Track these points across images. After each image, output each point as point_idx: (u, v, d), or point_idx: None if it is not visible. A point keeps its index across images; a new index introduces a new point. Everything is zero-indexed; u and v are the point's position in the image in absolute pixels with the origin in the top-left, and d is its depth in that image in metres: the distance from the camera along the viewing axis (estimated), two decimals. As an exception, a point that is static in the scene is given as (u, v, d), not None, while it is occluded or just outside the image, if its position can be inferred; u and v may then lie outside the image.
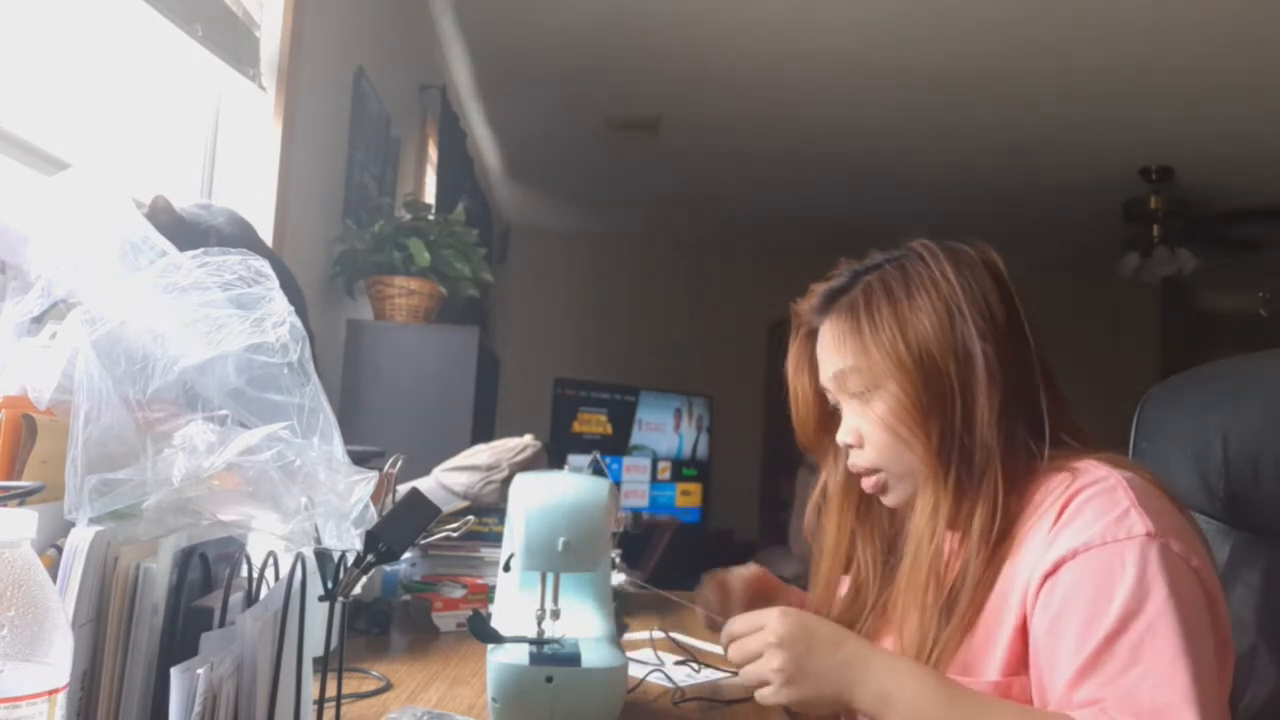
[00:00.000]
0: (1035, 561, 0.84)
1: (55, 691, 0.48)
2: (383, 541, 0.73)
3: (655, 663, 1.19)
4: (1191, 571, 0.80)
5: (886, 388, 0.92)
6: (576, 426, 5.13)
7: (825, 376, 0.99)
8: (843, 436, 0.97)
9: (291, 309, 0.70)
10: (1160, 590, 0.77)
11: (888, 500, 0.98)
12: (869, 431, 0.95)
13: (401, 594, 1.42)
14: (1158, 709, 0.74)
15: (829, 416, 1.02)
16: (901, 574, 0.95)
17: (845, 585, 1.08)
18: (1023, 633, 0.85)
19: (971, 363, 0.89)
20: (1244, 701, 0.99)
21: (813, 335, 1.02)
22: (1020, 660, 0.85)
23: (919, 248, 0.96)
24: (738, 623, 0.88)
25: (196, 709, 0.57)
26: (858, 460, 0.97)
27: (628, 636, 1.24)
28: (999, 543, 0.88)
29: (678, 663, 1.20)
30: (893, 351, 0.91)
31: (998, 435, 0.88)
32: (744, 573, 1.18)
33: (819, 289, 1.01)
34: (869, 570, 1.04)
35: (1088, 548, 0.80)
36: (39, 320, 0.69)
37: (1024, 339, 0.92)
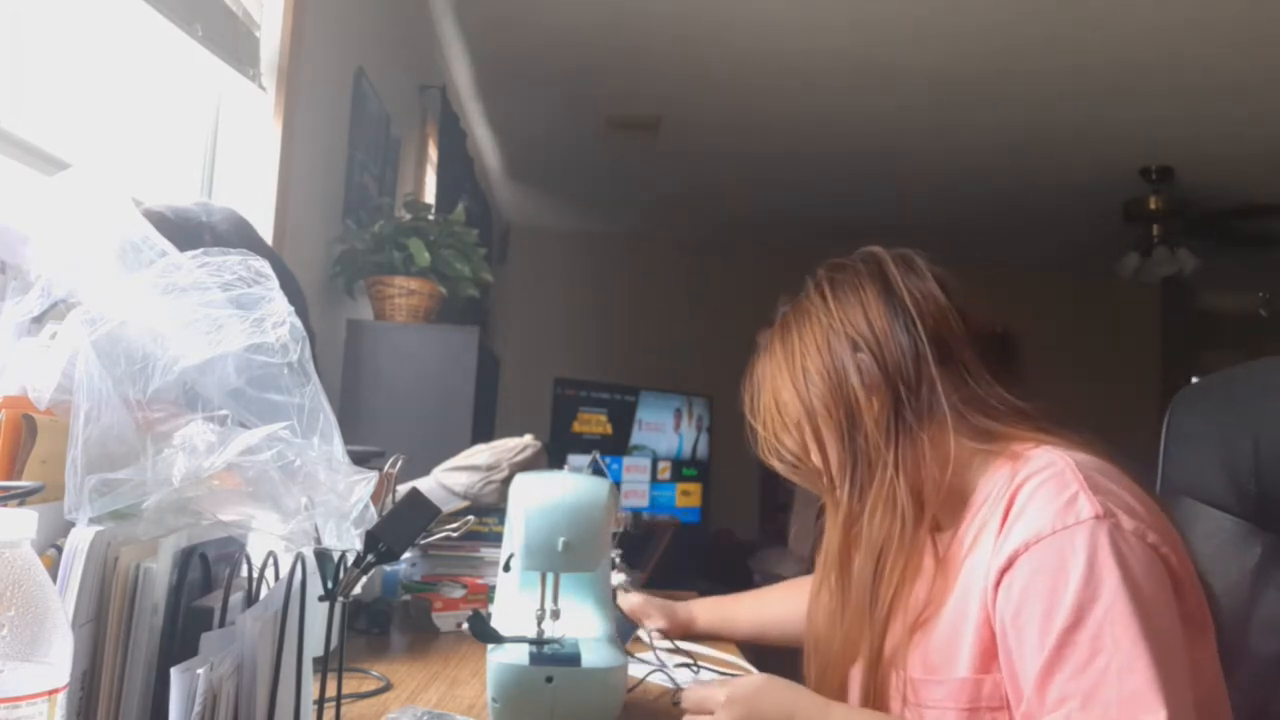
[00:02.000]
0: (991, 556, 0.85)
1: (55, 691, 0.48)
2: (383, 541, 0.73)
3: (656, 663, 1.19)
4: (1148, 548, 0.80)
5: (801, 420, 1.00)
6: (576, 426, 5.12)
7: (758, 417, 1.08)
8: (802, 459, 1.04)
9: (291, 309, 0.70)
10: (1113, 573, 0.77)
11: None
12: (801, 457, 1.03)
13: (401, 594, 1.42)
14: (1124, 699, 0.74)
15: None
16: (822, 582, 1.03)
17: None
18: (988, 629, 0.85)
19: (847, 376, 0.96)
20: (1275, 705, 0.99)
21: None
22: (989, 656, 0.86)
23: (811, 280, 1.05)
24: (690, 698, 0.92)
25: (196, 709, 0.57)
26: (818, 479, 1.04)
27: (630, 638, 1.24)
28: (940, 537, 0.93)
29: (678, 665, 1.20)
30: (785, 387, 1.01)
31: (888, 434, 0.94)
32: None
33: (763, 335, 1.09)
34: None
35: (1039, 538, 0.81)
36: (39, 320, 0.69)
37: (914, 336, 0.95)
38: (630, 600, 1.35)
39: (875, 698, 0.93)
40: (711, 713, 0.87)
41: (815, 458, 0.99)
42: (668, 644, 1.29)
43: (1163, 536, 0.82)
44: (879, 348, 0.95)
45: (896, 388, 0.94)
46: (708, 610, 1.40)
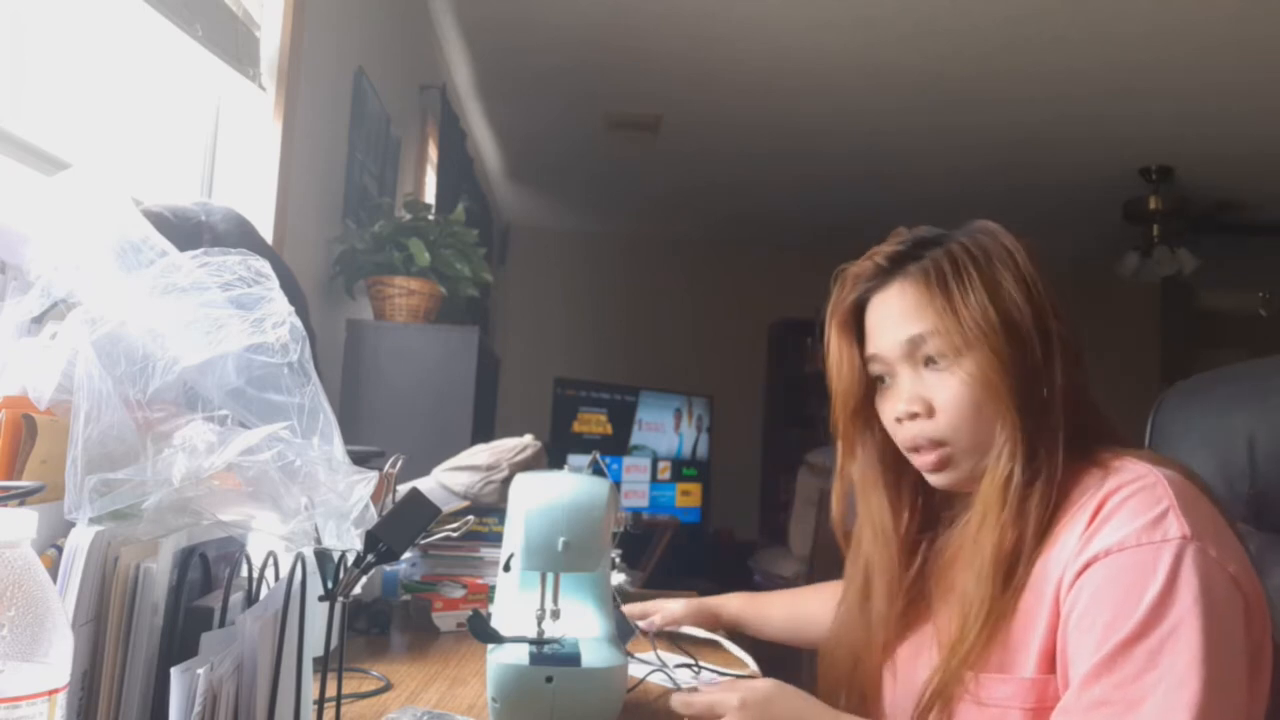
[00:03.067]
0: (1070, 558, 0.83)
1: (55, 691, 0.48)
2: (383, 541, 0.73)
3: (656, 663, 1.19)
4: (1229, 578, 0.78)
5: (972, 354, 0.89)
6: (576, 426, 5.12)
7: (889, 342, 0.94)
8: (908, 406, 0.92)
9: (291, 309, 0.70)
10: (1189, 596, 0.76)
11: (941, 479, 0.94)
12: (944, 400, 0.91)
13: (401, 594, 1.42)
14: (1158, 714, 0.73)
15: (870, 390, 0.99)
16: (964, 543, 0.92)
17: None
18: (1055, 631, 0.84)
19: (1051, 338, 0.89)
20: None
21: (862, 303, 0.98)
22: (1055, 658, 0.84)
23: (987, 224, 0.95)
24: (697, 701, 0.89)
25: (196, 709, 0.57)
26: (924, 431, 0.92)
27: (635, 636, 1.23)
28: (1036, 544, 0.87)
29: (678, 665, 1.20)
30: (984, 318, 0.88)
31: (1065, 415, 0.88)
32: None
33: (883, 250, 0.97)
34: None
35: (1121, 548, 0.79)
36: (39, 320, 0.69)
37: (1076, 327, 0.92)
38: (674, 614, 1.32)
39: (945, 694, 0.88)
40: (722, 716, 0.87)
41: (989, 398, 0.88)
42: (670, 643, 1.28)
43: (1241, 567, 0.80)
44: (1064, 323, 0.90)
45: (1072, 368, 0.89)
46: (741, 601, 1.35)
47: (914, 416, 0.92)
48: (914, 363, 0.93)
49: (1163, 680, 0.74)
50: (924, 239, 0.96)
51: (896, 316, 0.93)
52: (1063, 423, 0.87)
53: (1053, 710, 0.82)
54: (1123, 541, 0.79)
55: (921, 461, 0.94)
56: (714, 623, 1.35)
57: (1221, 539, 0.80)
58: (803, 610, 1.31)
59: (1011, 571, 0.86)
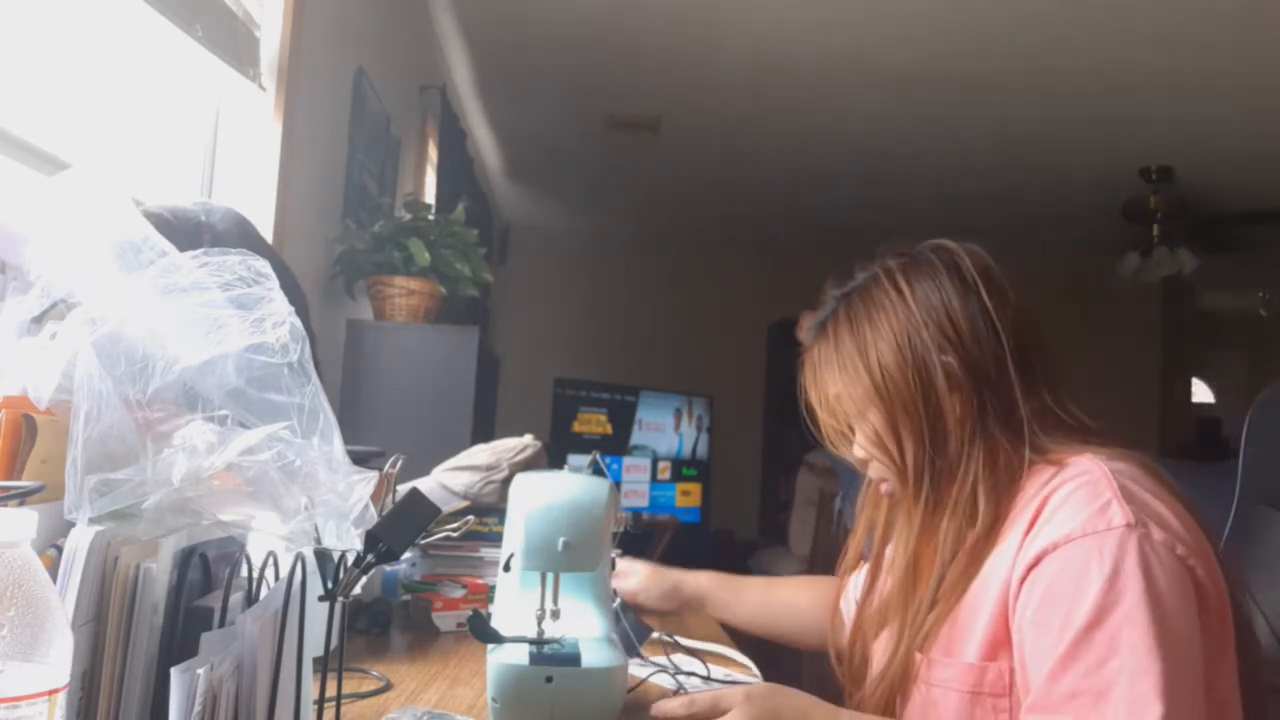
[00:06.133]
0: (1017, 553, 0.86)
1: (55, 691, 0.48)
2: (383, 541, 0.73)
3: (662, 665, 1.19)
4: (1176, 559, 0.81)
5: (864, 417, 0.98)
6: (576, 426, 5.12)
7: (820, 404, 1.03)
8: (856, 453, 1.02)
9: (291, 309, 0.70)
10: (1137, 581, 0.78)
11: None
12: (865, 451, 1.01)
13: (401, 594, 1.42)
14: (1132, 701, 0.75)
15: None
16: (885, 575, 1.04)
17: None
18: (1002, 620, 0.87)
19: (933, 377, 0.93)
20: None
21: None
22: (997, 646, 0.87)
23: (880, 267, 1.01)
24: (701, 701, 0.90)
25: (196, 709, 0.57)
26: (872, 472, 1.03)
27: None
28: (984, 540, 0.91)
29: (688, 672, 1.19)
30: (858, 380, 0.97)
31: (973, 442, 0.93)
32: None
33: (807, 318, 1.06)
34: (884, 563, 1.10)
35: (1068, 540, 0.82)
36: (39, 320, 0.69)
37: (995, 339, 0.94)
38: (628, 583, 1.27)
39: (901, 676, 0.95)
40: (728, 710, 0.87)
41: (890, 450, 0.96)
42: (684, 650, 1.27)
43: (1192, 549, 0.82)
44: (964, 350, 0.93)
45: (981, 391, 0.92)
46: (711, 579, 1.34)
47: (864, 460, 1.03)
48: (845, 418, 1.02)
49: (1125, 666, 0.76)
50: (836, 296, 1.04)
51: (814, 382, 1.03)
52: (974, 446, 0.93)
53: (989, 695, 0.87)
54: (1069, 534, 0.82)
55: (883, 491, 1.05)
56: (674, 598, 1.31)
57: (1168, 523, 0.83)
58: (779, 598, 1.34)
59: (928, 575, 0.95)
